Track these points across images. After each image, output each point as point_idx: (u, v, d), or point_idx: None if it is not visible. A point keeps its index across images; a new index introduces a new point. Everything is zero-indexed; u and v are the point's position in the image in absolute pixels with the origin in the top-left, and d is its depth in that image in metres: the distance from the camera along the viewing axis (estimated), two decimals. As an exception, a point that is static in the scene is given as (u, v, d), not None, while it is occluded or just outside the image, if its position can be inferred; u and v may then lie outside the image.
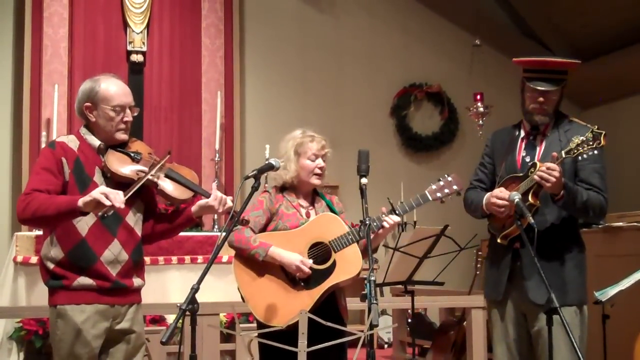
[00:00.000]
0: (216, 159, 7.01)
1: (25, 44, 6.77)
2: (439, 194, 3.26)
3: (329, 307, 3.17)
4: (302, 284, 3.15)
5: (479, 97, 7.54)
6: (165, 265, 5.96)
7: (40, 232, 3.16)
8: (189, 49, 7.40)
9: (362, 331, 2.63)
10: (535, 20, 8.40)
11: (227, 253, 5.71)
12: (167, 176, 2.92)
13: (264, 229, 3.27)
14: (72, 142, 2.86)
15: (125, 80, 3.06)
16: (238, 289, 3.21)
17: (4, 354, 5.36)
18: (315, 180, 3.31)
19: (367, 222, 2.87)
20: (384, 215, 3.19)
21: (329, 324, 2.67)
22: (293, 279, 3.17)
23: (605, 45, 7.85)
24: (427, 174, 7.98)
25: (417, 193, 3.27)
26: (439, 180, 3.29)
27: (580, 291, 3.17)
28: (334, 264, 3.17)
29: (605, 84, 8.10)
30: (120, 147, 2.91)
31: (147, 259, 5.70)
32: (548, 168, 2.98)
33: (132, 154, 2.90)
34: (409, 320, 6.53)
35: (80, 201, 2.60)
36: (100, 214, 2.58)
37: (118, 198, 2.59)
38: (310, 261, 3.15)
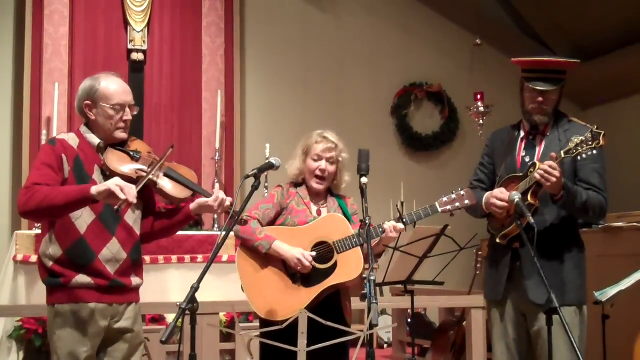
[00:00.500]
0: (216, 158, 7.01)
1: (25, 42, 6.76)
2: (449, 207, 3.22)
3: (332, 307, 3.17)
4: (302, 281, 3.15)
5: (479, 96, 7.54)
6: (165, 265, 5.96)
7: (40, 231, 3.15)
8: (189, 47, 7.39)
9: (361, 331, 2.63)
10: (536, 19, 8.39)
11: (227, 252, 5.73)
12: (166, 175, 2.92)
13: (272, 223, 3.29)
14: (72, 140, 2.86)
15: (125, 78, 3.06)
16: (240, 279, 3.22)
17: (4, 353, 5.36)
18: (315, 184, 3.31)
19: (367, 222, 2.87)
20: (386, 222, 3.17)
21: (328, 323, 2.66)
22: (293, 276, 3.17)
23: (605, 45, 7.84)
24: (427, 174, 7.99)
25: (427, 204, 3.25)
26: (452, 193, 3.24)
27: (580, 291, 3.17)
28: (335, 265, 3.17)
29: (605, 84, 8.10)
30: (120, 145, 2.91)
31: (147, 258, 5.74)
32: (549, 167, 2.98)
33: (132, 153, 2.90)
34: (409, 320, 6.53)
35: (94, 189, 2.60)
36: (116, 207, 2.58)
37: (132, 193, 2.59)
38: (313, 253, 3.16)
